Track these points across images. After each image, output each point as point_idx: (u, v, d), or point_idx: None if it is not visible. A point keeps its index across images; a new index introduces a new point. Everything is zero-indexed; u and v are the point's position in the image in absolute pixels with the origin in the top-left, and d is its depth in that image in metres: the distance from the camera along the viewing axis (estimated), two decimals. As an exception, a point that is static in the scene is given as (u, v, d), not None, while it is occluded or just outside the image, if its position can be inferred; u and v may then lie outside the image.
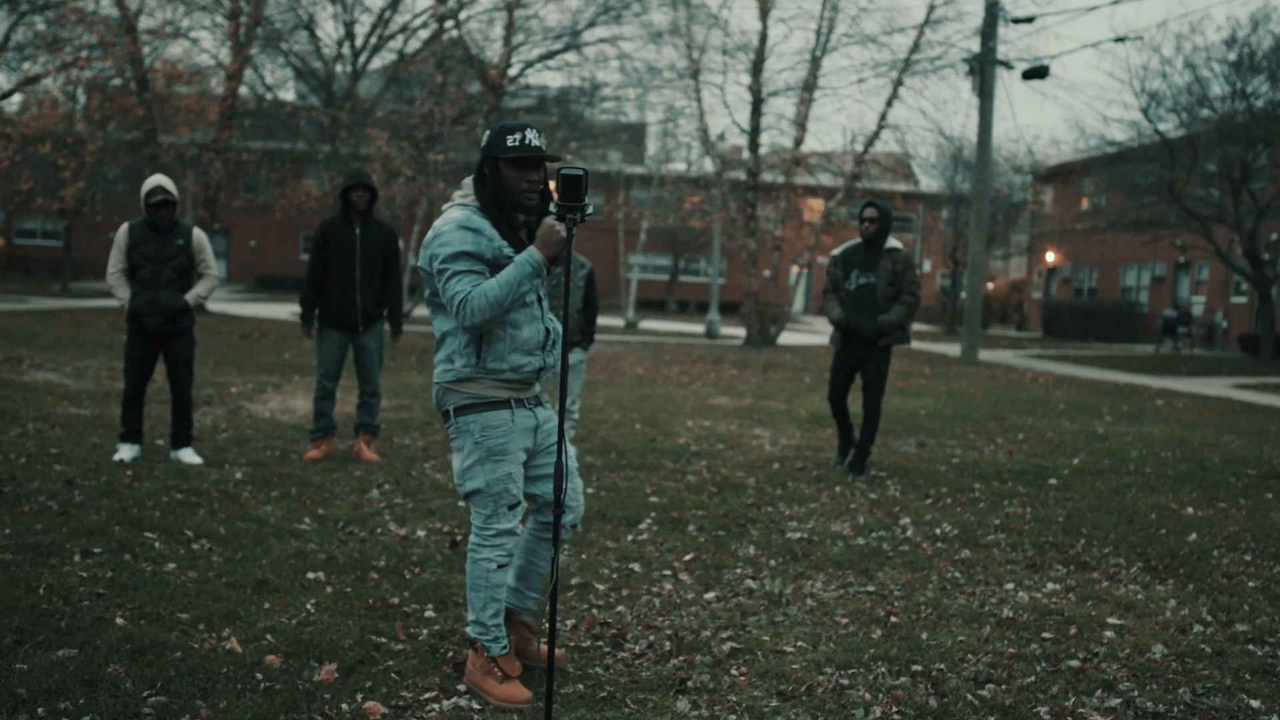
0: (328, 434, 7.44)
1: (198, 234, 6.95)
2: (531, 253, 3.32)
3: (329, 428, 7.44)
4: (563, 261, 3.37)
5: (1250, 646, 4.20)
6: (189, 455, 7.04)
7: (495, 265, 3.37)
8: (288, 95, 32.64)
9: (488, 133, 3.40)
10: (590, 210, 3.30)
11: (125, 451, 6.96)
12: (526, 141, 3.34)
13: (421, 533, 5.49)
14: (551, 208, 3.30)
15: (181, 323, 6.94)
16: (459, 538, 5.39)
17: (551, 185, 3.70)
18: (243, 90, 26.79)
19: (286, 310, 28.85)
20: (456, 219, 3.39)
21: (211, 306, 26.40)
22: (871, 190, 25.42)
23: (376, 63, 29.15)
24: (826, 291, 7.58)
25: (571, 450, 3.69)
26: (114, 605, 4.13)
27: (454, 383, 3.44)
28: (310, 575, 4.66)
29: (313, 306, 7.39)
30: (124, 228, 6.85)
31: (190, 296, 6.91)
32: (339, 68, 28.72)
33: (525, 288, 3.32)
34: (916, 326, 40.96)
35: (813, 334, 32.72)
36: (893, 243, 7.43)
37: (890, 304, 7.33)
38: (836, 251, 7.55)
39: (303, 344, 17.50)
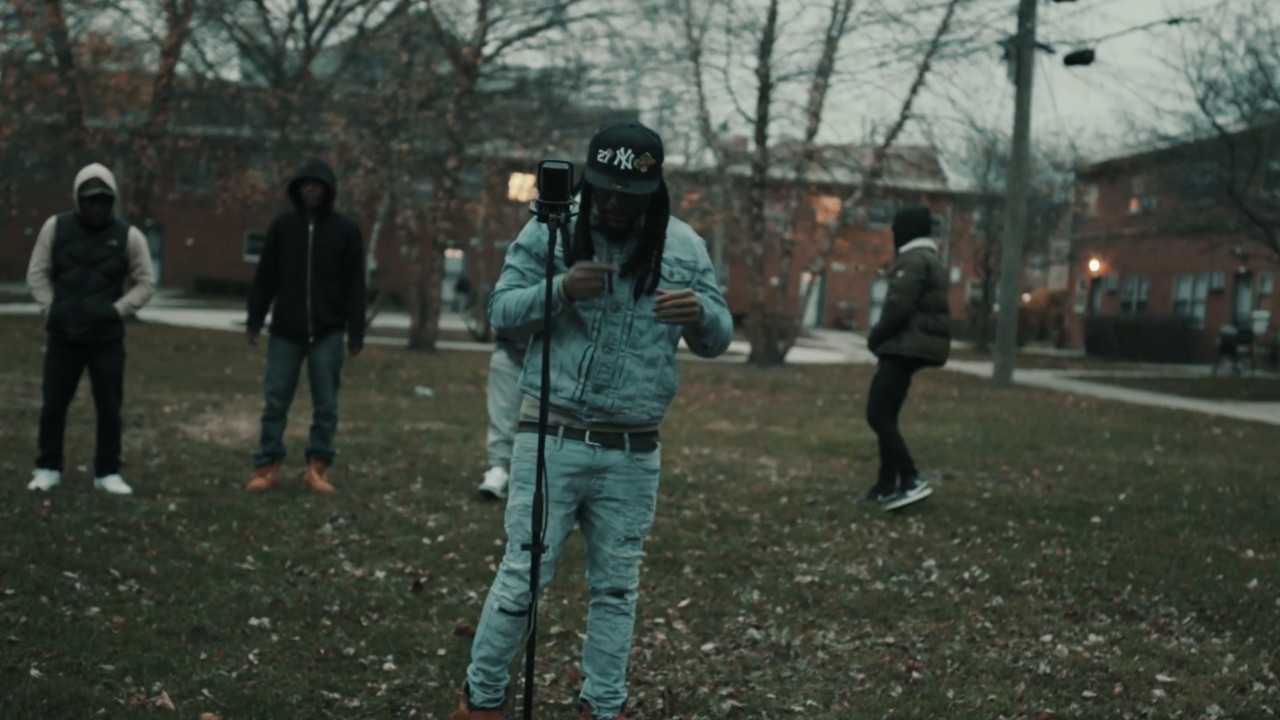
0: (275, 460, 7.44)
1: (134, 234, 6.97)
2: (557, 282, 3.34)
3: (276, 453, 7.44)
4: (581, 301, 3.40)
5: (1318, 708, 4.22)
6: (116, 484, 7.03)
7: (538, 260, 3.45)
8: (231, 74, 32.71)
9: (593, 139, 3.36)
10: (576, 209, 3.34)
11: (43, 479, 6.95)
12: (616, 163, 3.26)
13: (380, 574, 5.49)
14: (532, 206, 3.33)
15: (109, 334, 6.93)
16: (423, 580, 5.40)
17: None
18: (180, 68, 26.85)
19: (228, 319, 28.83)
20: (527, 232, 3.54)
21: (143, 314, 26.33)
22: (893, 189, 25.55)
23: (333, 38, 29.27)
24: None
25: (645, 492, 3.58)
26: (29, 654, 4.12)
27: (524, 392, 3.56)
28: (253, 621, 4.66)
29: (261, 312, 7.41)
30: (51, 222, 6.86)
31: (121, 305, 6.91)
32: (290, 43, 28.82)
33: (536, 314, 3.36)
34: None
35: (826, 350, 32.82)
36: (907, 246, 7.71)
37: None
38: None
39: (247, 358, 17.49)
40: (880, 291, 47.37)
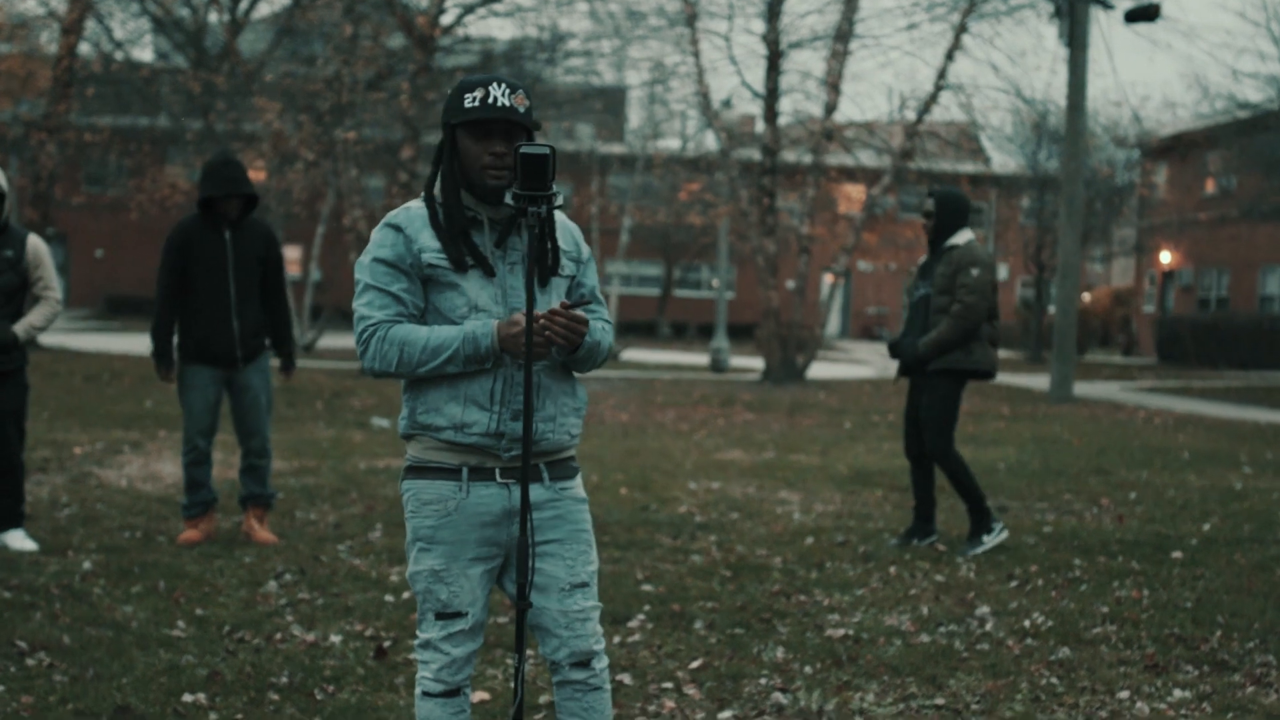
0: (208, 508, 7.45)
1: (34, 242, 6.97)
2: (486, 336, 3.27)
3: (209, 500, 7.44)
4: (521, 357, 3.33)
5: None
6: (18, 540, 7.02)
7: (411, 277, 3.35)
8: (144, 54, 32.84)
9: (449, 95, 3.42)
10: (559, 201, 3.35)
11: (-67, 535, 6.94)
12: (491, 100, 3.31)
13: (336, 638, 5.49)
14: (508, 197, 3.30)
15: (9, 363, 6.93)
16: (386, 643, 5.40)
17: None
18: (84, 49, 26.92)
19: (145, 343, 28.77)
20: (391, 214, 3.45)
21: (45, 339, 26.31)
22: (928, 173, 25.68)
23: (263, 9, 29.41)
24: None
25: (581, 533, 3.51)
26: (-77, 742, 4.12)
27: (404, 437, 3.46)
28: (187, 698, 4.65)
29: (169, 337, 7.38)
30: None
31: (21, 327, 6.91)
32: (213, 17, 28.91)
33: (454, 369, 3.29)
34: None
35: (854, 363, 32.89)
36: (957, 238, 7.66)
37: (942, 318, 7.57)
38: (921, 259, 8.00)
39: (170, 389, 17.49)
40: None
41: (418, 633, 3.44)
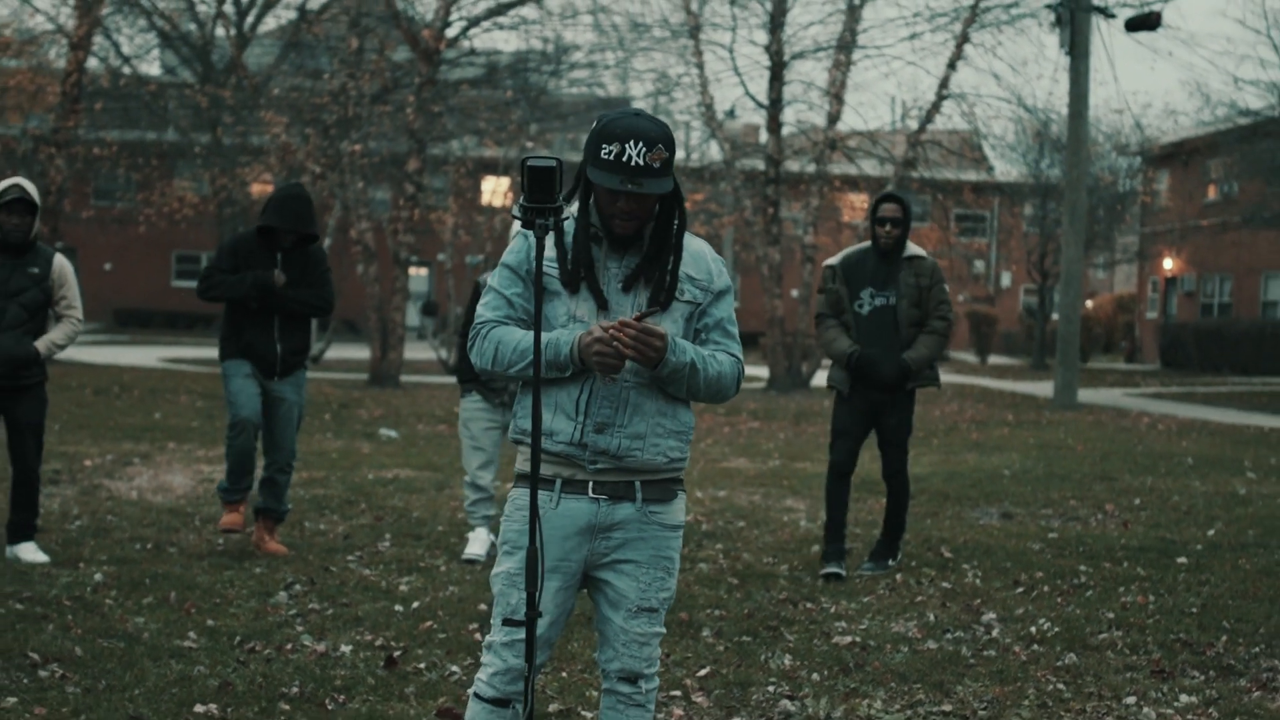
0: (246, 496, 7.51)
1: (60, 262, 7.04)
2: (566, 344, 3.31)
3: (250, 486, 7.51)
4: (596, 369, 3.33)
5: None
6: (30, 552, 7.04)
7: (528, 283, 3.41)
8: (152, 69, 32.90)
9: (593, 126, 3.36)
10: (566, 215, 3.37)
11: (-55, 548, 6.96)
12: (626, 159, 3.26)
13: (346, 648, 5.50)
14: (515, 210, 3.33)
15: (29, 377, 6.98)
16: (396, 653, 5.40)
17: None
18: (92, 63, 27.00)
19: (154, 355, 28.87)
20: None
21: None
22: (930, 182, 25.63)
23: (270, 23, 29.49)
24: (824, 316, 7.34)
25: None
26: (-62, 753, 4.13)
27: (514, 443, 3.51)
28: (199, 709, 4.66)
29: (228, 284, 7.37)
30: None
31: (42, 344, 6.96)
32: (220, 31, 29.00)
33: (542, 371, 3.31)
34: (993, 359, 41.17)
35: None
36: (914, 249, 7.26)
37: (915, 333, 7.16)
38: (834, 260, 7.35)
39: (179, 400, 17.51)
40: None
41: (487, 636, 3.49)
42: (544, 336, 3.33)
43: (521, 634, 3.35)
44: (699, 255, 3.51)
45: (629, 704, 3.49)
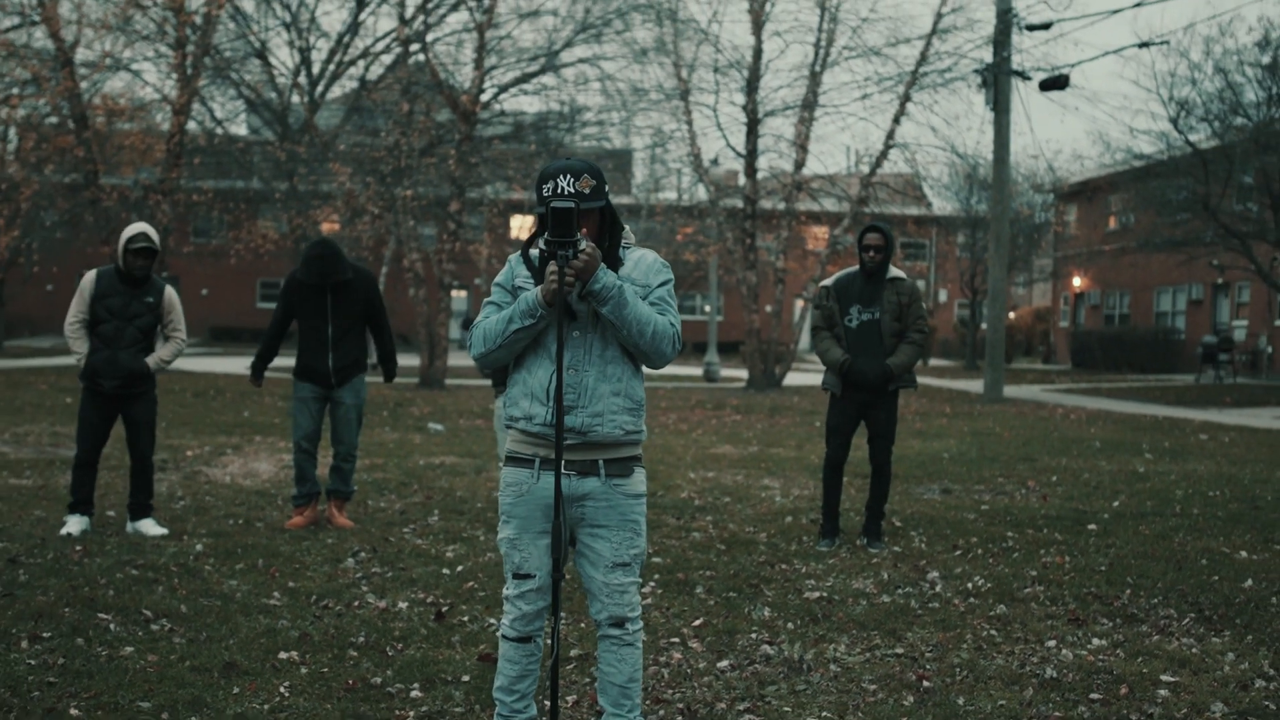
0: (310, 500, 7.53)
1: (169, 293, 7.06)
2: (531, 294, 3.40)
3: (313, 493, 7.54)
4: (557, 306, 3.34)
5: (1318, 702, 4.21)
6: (150, 526, 7.04)
7: (512, 294, 3.51)
8: (240, 129, 32.89)
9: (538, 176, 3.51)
10: (584, 248, 3.36)
11: (74, 524, 6.95)
12: (560, 190, 3.37)
13: (403, 604, 5.48)
14: (540, 245, 3.35)
15: (142, 386, 7.00)
16: (444, 609, 5.39)
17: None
18: (191, 125, 26.99)
19: (242, 364, 28.83)
20: (512, 256, 3.63)
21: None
22: (880, 216, 25.57)
23: (336, 91, 29.43)
24: (818, 329, 7.23)
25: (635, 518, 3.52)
26: (67, 695, 4.11)
27: (506, 429, 3.59)
28: (283, 655, 4.65)
29: (264, 359, 7.60)
30: (90, 275, 6.95)
31: (153, 360, 6.97)
32: (295, 98, 28.97)
33: (516, 325, 3.40)
34: (935, 362, 41.11)
35: (821, 374, 32.75)
36: (895, 271, 7.15)
37: (896, 343, 7.06)
38: (828, 282, 7.23)
39: (263, 401, 17.49)
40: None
41: (505, 588, 3.56)
42: (510, 307, 3.44)
43: (529, 584, 3.47)
44: (640, 260, 3.56)
45: (621, 644, 3.52)
